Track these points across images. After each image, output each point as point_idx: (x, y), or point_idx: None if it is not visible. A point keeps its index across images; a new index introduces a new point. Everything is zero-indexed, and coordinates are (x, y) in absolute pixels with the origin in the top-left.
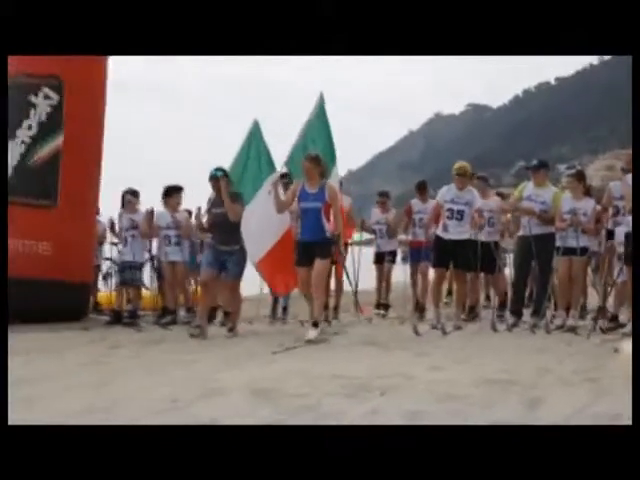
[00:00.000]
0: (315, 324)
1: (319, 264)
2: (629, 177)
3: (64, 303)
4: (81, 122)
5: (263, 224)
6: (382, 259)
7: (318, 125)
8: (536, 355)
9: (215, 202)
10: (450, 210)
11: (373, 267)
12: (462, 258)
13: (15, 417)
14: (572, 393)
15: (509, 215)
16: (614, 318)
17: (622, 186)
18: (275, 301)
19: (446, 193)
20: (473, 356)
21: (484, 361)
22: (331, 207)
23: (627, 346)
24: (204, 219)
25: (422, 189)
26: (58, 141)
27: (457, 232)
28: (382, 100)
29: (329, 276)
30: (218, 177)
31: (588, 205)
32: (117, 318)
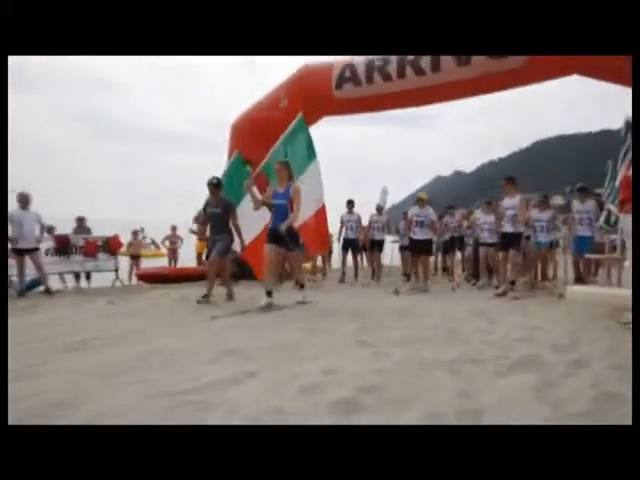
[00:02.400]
0: (302, 286)
1: (293, 254)
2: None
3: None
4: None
5: (246, 222)
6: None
7: (298, 135)
8: (490, 300)
9: (210, 203)
10: (416, 221)
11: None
12: (425, 249)
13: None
14: (513, 317)
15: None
16: (513, 282)
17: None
18: None
19: (413, 210)
20: (459, 300)
21: (465, 302)
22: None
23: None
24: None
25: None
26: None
27: (420, 234)
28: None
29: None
30: (213, 184)
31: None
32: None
